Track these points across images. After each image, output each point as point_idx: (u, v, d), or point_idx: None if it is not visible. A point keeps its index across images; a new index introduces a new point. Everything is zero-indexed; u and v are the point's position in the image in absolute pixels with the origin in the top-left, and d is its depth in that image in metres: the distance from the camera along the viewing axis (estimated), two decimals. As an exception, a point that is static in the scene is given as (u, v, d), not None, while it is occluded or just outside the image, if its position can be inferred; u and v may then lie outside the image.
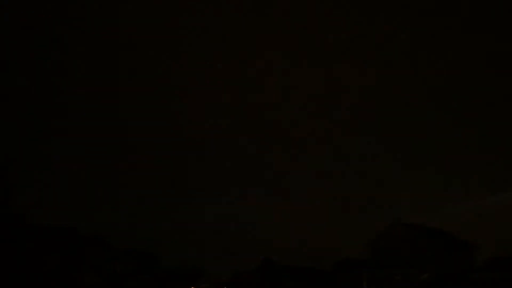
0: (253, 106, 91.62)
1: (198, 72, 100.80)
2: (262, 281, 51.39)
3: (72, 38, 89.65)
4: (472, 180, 76.71)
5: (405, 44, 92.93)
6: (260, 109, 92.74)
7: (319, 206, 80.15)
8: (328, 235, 68.30)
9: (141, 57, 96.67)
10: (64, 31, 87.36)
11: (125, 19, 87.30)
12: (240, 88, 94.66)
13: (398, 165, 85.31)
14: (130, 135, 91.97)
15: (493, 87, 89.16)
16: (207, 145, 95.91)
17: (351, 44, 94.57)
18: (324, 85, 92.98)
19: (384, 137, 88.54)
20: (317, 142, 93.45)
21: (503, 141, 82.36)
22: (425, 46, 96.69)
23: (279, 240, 69.83)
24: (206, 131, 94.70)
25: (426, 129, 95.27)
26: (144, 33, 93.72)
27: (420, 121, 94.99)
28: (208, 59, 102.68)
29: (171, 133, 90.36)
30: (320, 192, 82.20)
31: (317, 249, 60.57)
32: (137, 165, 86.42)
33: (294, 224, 77.92)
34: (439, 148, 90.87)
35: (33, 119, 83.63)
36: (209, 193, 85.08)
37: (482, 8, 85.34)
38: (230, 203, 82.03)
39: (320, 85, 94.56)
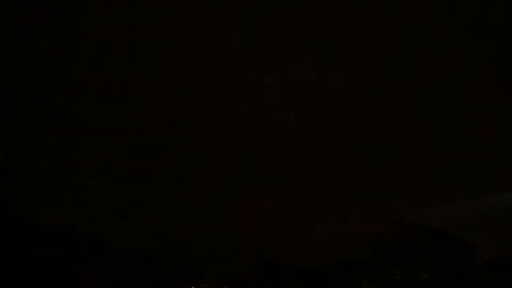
0: (253, 105, 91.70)
1: (198, 72, 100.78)
2: (262, 281, 51.36)
3: (72, 38, 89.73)
4: (472, 180, 76.82)
5: (405, 44, 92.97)
6: (260, 108, 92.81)
7: (319, 206, 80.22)
8: (328, 235, 68.35)
9: (141, 57, 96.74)
10: (64, 31, 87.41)
11: (125, 19, 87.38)
12: (239, 88, 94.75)
13: (398, 165, 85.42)
14: (130, 135, 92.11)
15: (493, 87, 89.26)
16: (207, 145, 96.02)
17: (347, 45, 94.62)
18: (324, 85, 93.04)
19: (384, 137, 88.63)
20: (317, 142, 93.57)
21: (503, 141, 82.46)
22: (425, 46, 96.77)
23: (279, 240, 69.88)
24: (206, 131, 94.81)
25: (426, 129, 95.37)
26: (144, 33, 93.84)
27: (420, 121, 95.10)
28: (208, 59, 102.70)
29: (171, 133, 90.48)
30: (320, 192, 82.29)
31: (317, 249, 60.62)
32: (137, 165, 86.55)
33: (294, 224, 78.01)
34: (439, 148, 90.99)
35: (33, 119, 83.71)
36: (210, 193, 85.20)
37: (482, 8, 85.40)
38: (230, 203, 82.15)
39: (320, 85, 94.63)
